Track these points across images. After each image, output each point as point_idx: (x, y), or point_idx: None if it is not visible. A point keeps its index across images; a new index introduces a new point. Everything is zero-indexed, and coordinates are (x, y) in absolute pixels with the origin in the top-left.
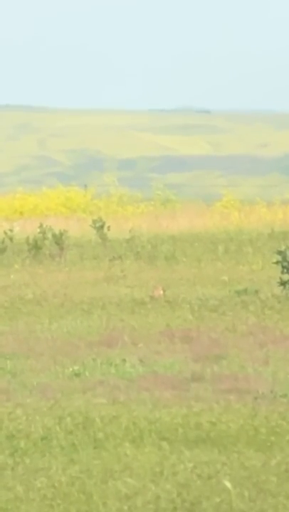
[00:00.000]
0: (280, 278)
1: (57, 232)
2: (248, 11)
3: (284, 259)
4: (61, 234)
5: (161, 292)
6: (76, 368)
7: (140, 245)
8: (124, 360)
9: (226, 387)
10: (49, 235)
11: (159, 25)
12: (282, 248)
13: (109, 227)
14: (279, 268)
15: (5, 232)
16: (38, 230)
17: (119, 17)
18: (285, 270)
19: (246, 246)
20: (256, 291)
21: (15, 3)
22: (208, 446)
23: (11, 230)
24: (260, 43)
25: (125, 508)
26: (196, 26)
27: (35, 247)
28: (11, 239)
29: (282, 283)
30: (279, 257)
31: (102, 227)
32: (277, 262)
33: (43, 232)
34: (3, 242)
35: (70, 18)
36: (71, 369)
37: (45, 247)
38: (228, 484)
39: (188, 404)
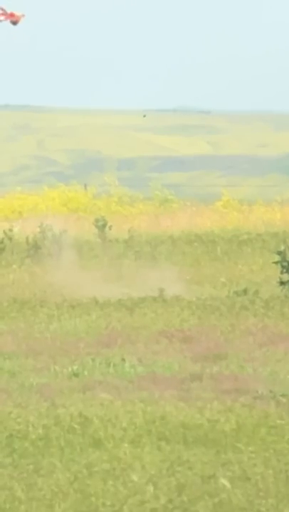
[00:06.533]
0: (280, 278)
1: (56, 231)
2: (247, 13)
3: (283, 259)
4: (61, 234)
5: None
6: (75, 367)
7: (139, 245)
8: (123, 360)
9: (225, 387)
10: (49, 235)
11: (159, 26)
12: (282, 248)
13: (111, 226)
14: (278, 268)
15: (4, 232)
16: (38, 230)
17: (118, 17)
18: (285, 270)
19: (246, 246)
20: (256, 291)
21: (13, 3)
22: (207, 446)
23: (10, 230)
24: (260, 45)
25: (124, 508)
26: (195, 27)
27: (35, 246)
28: (10, 238)
29: (282, 283)
30: (278, 257)
31: (104, 226)
32: (276, 262)
33: (43, 232)
34: (2, 241)
35: (69, 18)
36: (70, 369)
37: (45, 246)
38: (226, 483)
39: (187, 404)
